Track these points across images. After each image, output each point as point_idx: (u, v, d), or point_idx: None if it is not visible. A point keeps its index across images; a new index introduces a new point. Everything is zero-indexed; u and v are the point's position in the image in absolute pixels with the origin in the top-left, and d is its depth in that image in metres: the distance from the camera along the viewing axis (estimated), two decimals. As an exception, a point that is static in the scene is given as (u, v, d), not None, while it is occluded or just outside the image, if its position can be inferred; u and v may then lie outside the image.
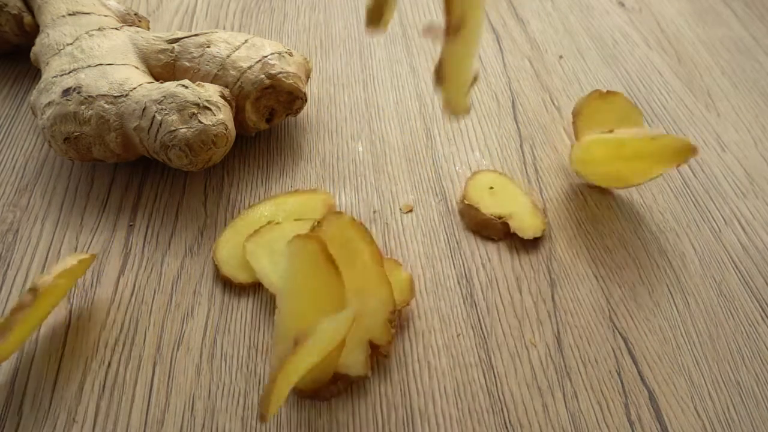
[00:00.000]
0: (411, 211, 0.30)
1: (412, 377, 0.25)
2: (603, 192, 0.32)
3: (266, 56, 0.30)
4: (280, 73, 0.30)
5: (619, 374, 0.25)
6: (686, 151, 0.25)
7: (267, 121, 0.32)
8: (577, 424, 0.23)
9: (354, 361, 0.22)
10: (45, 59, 0.31)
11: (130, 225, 0.29)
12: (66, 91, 0.28)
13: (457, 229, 0.30)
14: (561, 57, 0.40)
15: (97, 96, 0.28)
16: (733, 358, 0.25)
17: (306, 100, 0.32)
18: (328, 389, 0.24)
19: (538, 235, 0.29)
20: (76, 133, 0.28)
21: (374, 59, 0.40)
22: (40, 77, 0.31)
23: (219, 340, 0.25)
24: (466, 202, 0.30)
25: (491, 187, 0.30)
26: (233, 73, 0.30)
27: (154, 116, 0.27)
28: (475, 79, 0.22)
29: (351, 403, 0.24)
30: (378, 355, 0.23)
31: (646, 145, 0.27)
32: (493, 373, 0.25)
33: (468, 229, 0.30)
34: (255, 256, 0.27)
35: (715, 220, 0.31)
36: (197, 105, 0.27)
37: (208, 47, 0.31)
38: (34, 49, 0.32)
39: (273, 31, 0.42)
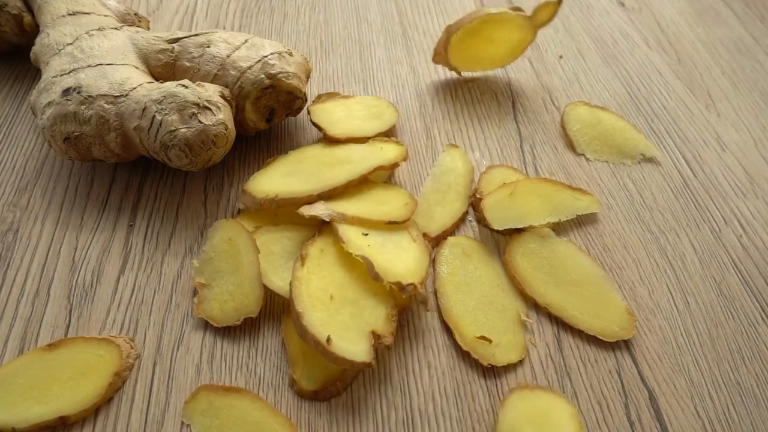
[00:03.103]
0: None
1: (412, 377, 0.25)
2: (602, 191, 0.32)
3: (266, 56, 0.30)
4: (280, 73, 0.30)
5: (619, 374, 0.25)
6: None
7: (267, 121, 0.32)
8: (577, 424, 0.23)
9: (358, 350, 0.22)
10: (45, 59, 0.31)
11: (130, 225, 0.29)
12: (66, 91, 0.28)
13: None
14: (561, 57, 0.40)
15: (97, 96, 0.28)
16: (733, 358, 0.25)
17: (306, 100, 0.32)
18: (328, 389, 0.24)
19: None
20: (76, 133, 0.28)
21: (374, 59, 0.40)
22: (40, 77, 0.31)
23: (219, 340, 0.25)
24: (478, 196, 0.30)
25: (504, 183, 0.31)
26: (233, 73, 0.30)
27: (154, 116, 0.27)
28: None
29: (351, 403, 0.24)
30: (380, 345, 0.23)
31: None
32: (493, 373, 0.25)
33: (480, 223, 0.30)
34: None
35: (715, 220, 0.31)
36: (197, 105, 0.27)
37: (208, 47, 0.31)
38: (34, 49, 0.32)
39: (273, 31, 0.42)
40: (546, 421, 0.23)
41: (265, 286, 0.26)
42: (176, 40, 0.31)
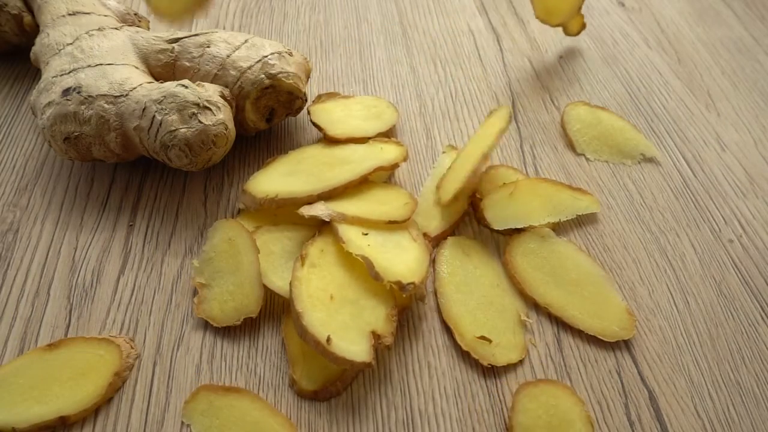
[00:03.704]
0: None
1: (412, 377, 0.25)
2: (602, 190, 0.32)
3: (266, 56, 0.30)
4: (280, 73, 0.30)
5: (619, 374, 0.25)
6: None
7: (267, 121, 0.32)
8: (577, 424, 0.23)
9: (358, 350, 0.22)
10: (45, 59, 0.31)
11: (130, 225, 0.29)
12: (66, 91, 0.28)
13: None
14: (561, 57, 0.40)
15: (97, 96, 0.28)
16: (733, 358, 0.25)
17: (306, 100, 0.32)
18: (328, 389, 0.24)
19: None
20: (76, 133, 0.28)
21: (374, 59, 0.40)
22: (40, 77, 0.31)
23: (219, 340, 0.25)
24: (478, 196, 0.30)
25: (504, 183, 0.31)
26: (233, 73, 0.30)
27: (154, 116, 0.27)
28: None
29: (351, 403, 0.24)
30: (380, 345, 0.23)
31: None
32: (494, 373, 0.25)
33: (480, 223, 0.30)
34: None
35: (715, 220, 0.31)
36: (197, 105, 0.27)
37: (208, 47, 0.31)
38: (34, 49, 0.32)
39: (273, 31, 0.42)
40: (560, 423, 0.23)
41: (265, 286, 0.26)
42: (176, 40, 0.31)
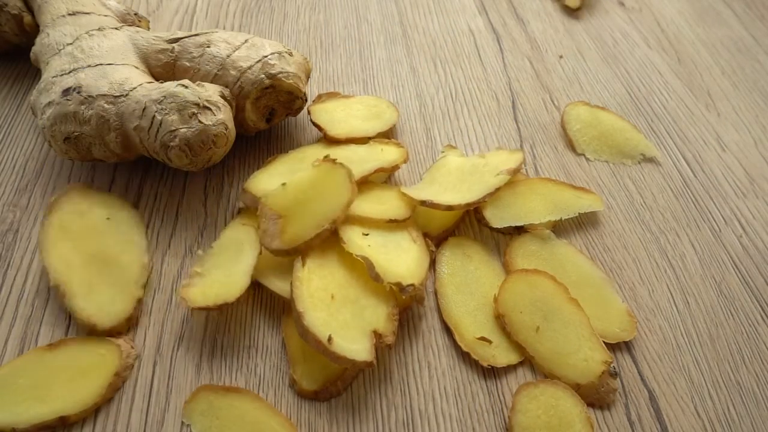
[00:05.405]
0: None
1: (412, 377, 0.25)
2: (602, 190, 0.32)
3: (266, 56, 0.30)
4: (280, 73, 0.30)
5: (619, 374, 0.25)
6: None
7: (267, 121, 0.32)
8: (577, 424, 0.23)
9: (359, 349, 0.22)
10: (45, 59, 0.31)
11: (130, 225, 0.29)
12: (66, 91, 0.28)
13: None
14: (561, 57, 0.40)
15: (97, 96, 0.28)
16: (733, 358, 0.25)
17: (306, 100, 0.32)
18: (328, 389, 0.24)
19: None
20: (76, 133, 0.28)
21: (374, 59, 0.40)
22: (40, 77, 0.30)
23: (219, 340, 0.25)
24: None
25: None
26: (233, 73, 0.30)
27: (154, 116, 0.27)
28: None
29: (351, 403, 0.24)
30: (382, 344, 0.23)
31: None
32: (493, 373, 0.25)
33: (480, 222, 0.30)
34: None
35: (715, 220, 0.31)
36: (197, 105, 0.27)
37: (208, 47, 0.31)
38: (34, 49, 0.32)
39: (273, 31, 0.42)
40: (559, 424, 0.23)
41: (265, 286, 0.26)
42: (176, 40, 0.31)
